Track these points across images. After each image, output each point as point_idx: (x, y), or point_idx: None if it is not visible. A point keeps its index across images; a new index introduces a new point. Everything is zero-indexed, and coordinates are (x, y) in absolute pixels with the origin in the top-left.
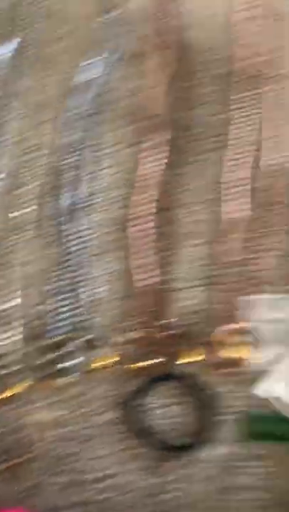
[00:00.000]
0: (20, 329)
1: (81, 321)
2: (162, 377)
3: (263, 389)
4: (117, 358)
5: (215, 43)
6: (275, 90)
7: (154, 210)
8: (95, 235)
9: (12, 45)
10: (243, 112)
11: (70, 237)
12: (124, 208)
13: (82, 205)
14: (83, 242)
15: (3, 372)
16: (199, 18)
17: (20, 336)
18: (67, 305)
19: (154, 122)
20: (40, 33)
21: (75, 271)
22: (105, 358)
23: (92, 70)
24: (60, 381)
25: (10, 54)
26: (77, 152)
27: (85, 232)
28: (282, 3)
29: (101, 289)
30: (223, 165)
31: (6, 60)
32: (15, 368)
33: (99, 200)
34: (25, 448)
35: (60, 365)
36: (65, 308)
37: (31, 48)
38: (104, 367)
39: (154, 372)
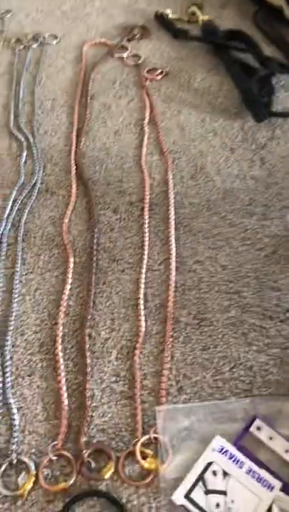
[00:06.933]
0: None
1: (1, 448)
2: (80, 496)
3: (180, 496)
4: (31, 485)
5: (118, 176)
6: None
7: (71, 331)
8: (13, 360)
9: None
10: (153, 234)
11: None
12: (41, 331)
13: None
14: (2, 368)
15: None
16: (103, 155)
17: None
18: None
19: (67, 249)
20: None
21: None
22: (25, 484)
23: (8, 204)
24: None
25: None
26: None
27: (1, 360)
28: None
29: (20, 414)
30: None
31: None
32: None
33: (14, 326)
34: None
35: None
36: None
37: None
38: (24, 493)
39: (73, 491)
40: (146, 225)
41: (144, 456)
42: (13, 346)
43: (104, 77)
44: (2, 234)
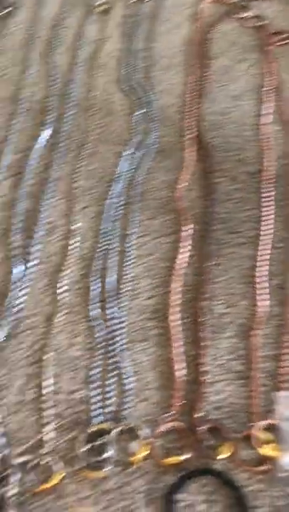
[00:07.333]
0: (52, 418)
1: (113, 411)
2: (195, 473)
3: None
4: (147, 452)
5: (237, 144)
6: None
7: (184, 301)
8: (126, 323)
9: (45, 135)
10: (272, 209)
11: (102, 325)
12: (154, 297)
13: (112, 292)
14: (115, 330)
15: (36, 463)
16: (221, 120)
17: (53, 426)
18: (100, 394)
19: (183, 215)
20: (72, 123)
21: (107, 359)
22: (138, 452)
23: (122, 163)
24: (94, 474)
25: (43, 144)
26: (107, 241)
27: (116, 321)
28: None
29: (133, 379)
30: (256, 260)
31: (39, 149)
32: (47, 460)
33: (128, 288)
34: None
35: (92, 458)
36: (97, 398)
37: (63, 138)
38: (137, 460)
39: (186, 467)
40: (267, 199)
41: (262, 442)
42: (126, 309)
43: (224, 37)
44: (117, 193)
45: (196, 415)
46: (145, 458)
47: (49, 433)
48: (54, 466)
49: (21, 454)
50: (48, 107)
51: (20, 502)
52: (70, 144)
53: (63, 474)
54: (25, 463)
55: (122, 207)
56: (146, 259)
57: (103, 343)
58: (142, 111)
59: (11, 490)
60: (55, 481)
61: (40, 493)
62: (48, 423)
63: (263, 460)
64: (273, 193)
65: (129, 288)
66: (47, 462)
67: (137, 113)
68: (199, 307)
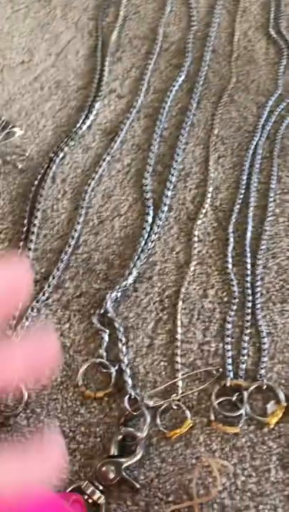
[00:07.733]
0: (181, 366)
1: (247, 369)
2: None
3: None
4: (279, 416)
5: None
6: None
7: None
8: (263, 282)
9: (181, 78)
10: None
11: (237, 281)
12: None
13: (250, 249)
14: (251, 287)
15: (166, 409)
16: None
17: (180, 375)
18: (232, 350)
19: None
20: (210, 69)
21: (242, 316)
22: (274, 413)
23: (263, 115)
24: (227, 429)
25: (178, 87)
26: (243, 194)
27: (253, 278)
28: None
29: (270, 340)
30: None
31: (174, 92)
32: (178, 407)
33: (266, 246)
34: (192, 493)
35: (225, 413)
36: (229, 353)
37: (200, 83)
38: (272, 422)
39: None
40: None
41: None
42: (264, 268)
43: None
44: (257, 145)
45: None
46: (280, 421)
47: (179, 381)
48: (185, 414)
49: (151, 397)
50: (185, 49)
51: (149, 444)
52: (207, 89)
53: (192, 424)
54: (155, 407)
55: (261, 161)
56: (287, 219)
57: (238, 299)
58: (285, 62)
59: (143, 431)
60: (185, 428)
61: (170, 438)
62: (178, 370)
63: None
64: None
65: (267, 246)
66: (178, 409)
67: (279, 64)
68: None
